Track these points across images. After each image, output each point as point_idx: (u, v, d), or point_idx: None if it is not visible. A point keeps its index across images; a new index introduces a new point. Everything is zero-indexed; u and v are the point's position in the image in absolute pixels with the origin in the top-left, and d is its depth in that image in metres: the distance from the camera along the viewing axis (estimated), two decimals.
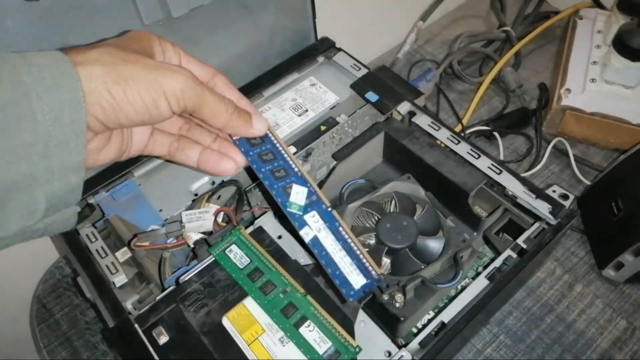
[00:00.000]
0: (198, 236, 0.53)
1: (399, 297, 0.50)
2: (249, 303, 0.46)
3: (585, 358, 0.54)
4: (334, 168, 0.57)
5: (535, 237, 0.49)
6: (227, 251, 0.49)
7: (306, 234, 0.41)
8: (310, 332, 0.44)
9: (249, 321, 0.45)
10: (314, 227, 0.42)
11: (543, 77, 0.80)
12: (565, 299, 0.58)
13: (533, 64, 0.82)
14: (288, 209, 0.42)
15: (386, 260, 0.53)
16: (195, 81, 0.33)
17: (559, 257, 0.61)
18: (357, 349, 0.43)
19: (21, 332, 0.63)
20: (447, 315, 0.45)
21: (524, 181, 0.52)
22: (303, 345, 0.43)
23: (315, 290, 0.47)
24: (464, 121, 0.71)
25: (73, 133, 0.28)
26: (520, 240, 0.49)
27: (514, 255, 0.48)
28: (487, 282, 0.46)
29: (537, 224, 0.50)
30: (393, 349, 0.45)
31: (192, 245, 0.53)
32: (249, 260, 0.48)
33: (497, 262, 0.48)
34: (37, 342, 0.58)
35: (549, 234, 0.49)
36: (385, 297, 0.50)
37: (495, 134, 0.69)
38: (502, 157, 0.69)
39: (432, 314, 0.55)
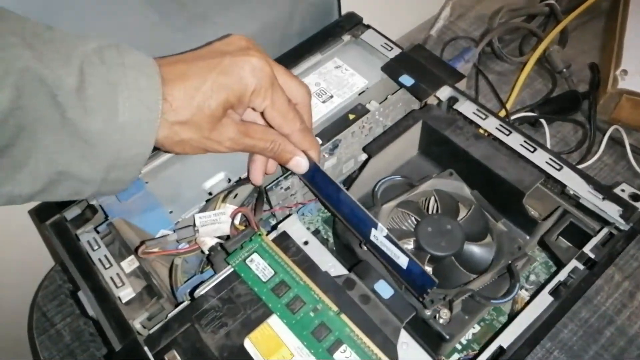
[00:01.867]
0: (213, 241, 0.47)
1: (444, 312, 0.43)
2: (275, 322, 0.40)
3: None
4: (365, 163, 0.50)
5: (603, 244, 0.42)
6: (247, 261, 0.42)
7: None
8: (346, 358, 0.38)
9: (275, 344, 0.39)
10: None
11: (590, 56, 0.72)
12: (626, 309, 0.52)
13: (578, 42, 0.74)
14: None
15: (427, 269, 0.47)
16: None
17: (617, 261, 0.55)
18: None
19: (19, 340, 0.58)
20: (505, 339, 0.38)
21: (588, 179, 0.45)
22: None
23: (349, 307, 0.40)
24: (507, 106, 0.63)
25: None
26: (587, 249, 0.42)
27: (581, 266, 0.41)
28: (551, 298, 0.40)
29: (605, 230, 0.43)
30: None
31: (207, 252, 0.47)
32: (273, 272, 0.42)
33: (562, 276, 0.41)
34: (36, 355, 0.52)
35: (622, 241, 0.42)
36: (428, 312, 0.43)
37: (542, 120, 0.62)
38: (548, 147, 0.62)
39: (476, 327, 0.49)
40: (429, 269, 0.47)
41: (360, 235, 0.45)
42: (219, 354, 0.39)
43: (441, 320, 0.43)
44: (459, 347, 0.48)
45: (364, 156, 0.53)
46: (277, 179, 0.49)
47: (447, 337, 0.43)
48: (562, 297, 0.40)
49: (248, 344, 0.39)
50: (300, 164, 0.44)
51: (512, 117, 0.62)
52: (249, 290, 0.41)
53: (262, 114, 0.41)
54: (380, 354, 0.38)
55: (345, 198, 0.44)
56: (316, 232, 0.54)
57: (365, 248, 0.47)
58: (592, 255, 0.42)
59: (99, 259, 0.44)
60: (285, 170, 0.50)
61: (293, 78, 0.43)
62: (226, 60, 0.38)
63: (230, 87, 0.37)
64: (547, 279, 0.46)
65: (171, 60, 0.38)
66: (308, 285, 0.41)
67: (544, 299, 0.40)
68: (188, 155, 0.42)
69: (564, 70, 0.67)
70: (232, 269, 0.42)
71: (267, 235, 0.45)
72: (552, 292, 0.40)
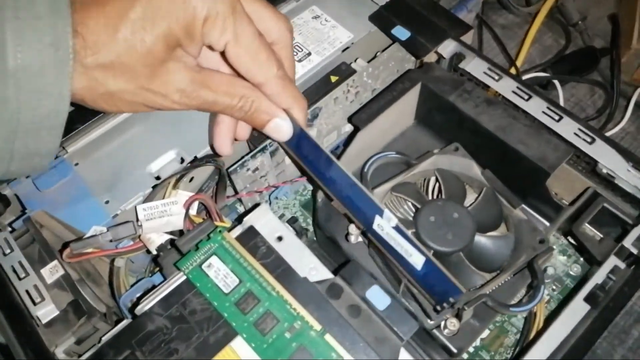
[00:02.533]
0: (163, 238, 0.38)
1: (451, 323, 0.35)
2: (241, 346, 0.31)
3: None
4: (351, 136, 0.40)
5: None
6: (204, 266, 0.33)
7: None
8: None
9: None
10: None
11: (606, 7, 0.62)
12: None
13: None
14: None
15: None
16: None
17: None
18: None
19: None
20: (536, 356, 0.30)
21: (628, 154, 0.37)
22: None
23: (336, 324, 0.32)
24: (517, 64, 0.54)
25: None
26: (628, 242, 0.34)
27: (622, 264, 0.33)
28: (587, 307, 0.32)
29: None
30: None
31: (154, 252, 0.37)
32: (237, 281, 0.33)
33: (599, 277, 0.33)
34: None
35: None
36: (432, 322, 0.35)
37: (555, 82, 0.53)
38: None
39: (486, 330, 0.41)
40: None
41: (359, 223, 0.36)
42: None
43: (446, 331, 0.35)
44: (465, 355, 0.40)
45: (350, 127, 0.44)
46: (242, 158, 0.39)
47: (456, 351, 0.36)
48: (601, 304, 0.32)
49: None
50: (280, 128, 0.34)
51: (523, 78, 0.53)
52: (206, 304, 0.32)
53: (223, 55, 0.31)
54: None
55: (340, 174, 0.34)
56: (293, 221, 0.45)
57: (353, 241, 0.38)
58: (634, 251, 0.33)
59: (12, 267, 0.34)
60: (253, 147, 0.40)
61: (267, 6, 0.33)
62: None
63: (173, 14, 0.27)
64: (580, 280, 0.38)
65: None
66: (282, 297, 0.32)
67: (579, 307, 0.32)
68: (128, 123, 0.32)
69: (579, 22, 0.57)
70: (185, 277, 0.33)
71: (230, 231, 0.35)
72: (588, 299, 0.32)
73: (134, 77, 0.28)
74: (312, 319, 0.31)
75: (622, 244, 0.34)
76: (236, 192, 0.42)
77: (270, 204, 0.46)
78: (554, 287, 0.43)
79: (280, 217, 0.46)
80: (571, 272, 0.42)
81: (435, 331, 0.36)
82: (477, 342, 0.41)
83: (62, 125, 0.27)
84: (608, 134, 0.51)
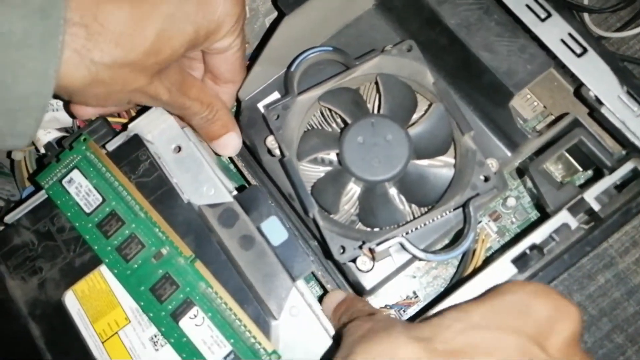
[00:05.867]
0: (51, 136, 0.33)
1: (362, 262, 0.30)
2: (109, 272, 0.28)
3: None
4: (276, 23, 0.32)
5: (620, 188, 0.27)
6: (64, 182, 0.29)
7: None
8: (197, 326, 0.27)
9: (107, 302, 0.28)
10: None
11: None
12: (636, 250, 0.38)
13: None
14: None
15: (354, 190, 0.33)
16: None
17: None
18: (274, 357, 0.26)
19: None
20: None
21: (625, 75, 0.27)
22: (184, 348, 0.27)
23: (213, 254, 0.28)
24: None
25: None
26: (590, 195, 0.26)
27: (574, 223, 0.26)
28: (514, 270, 0.26)
29: (629, 163, 0.27)
30: None
31: (43, 151, 0.33)
32: (100, 199, 0.28)
33: (538, 236, 0.26)
34: None
35: None
36: (345, 255, 0.30)
37: None
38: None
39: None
40: (356, 189, 0.32)
41: None
42: (29, 310, 0.28)
43: (363, 268, 0.31)
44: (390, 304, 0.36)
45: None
46: None
47: (367, 288, 0.31)
48: (530, 270, 0.26)
49: (70, 300, 0.28)
50: (231, 143, 0.33)
51: None
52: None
53: (206, 60, 0.30)
54: (247, 320, 0.26)
55: None
56: None
57: (275, 156, 0.33)
58: (596, 207, 0.26)
59: None
60: None
61: None
62: None
63: (203, 19, 0.26)
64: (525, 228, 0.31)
65: None
66: (151, 219, 0.28)
67: (504, 268, 0.26)
68: None
69: None
70: (46, 195, 0.29)
71: (110, 141, 0.30)
72: (517, 261, 0.26)
73: (141, 76, 0.25)
74: (183, 245, 0.28)
75: (582, 196, 0.26)
76: None
77: None
78: (514, 220, 0.37)
79: None
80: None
81: (345, 265, 0.31)
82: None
83: (44, 109, 0.23)
84: (625, 33, 0.39)
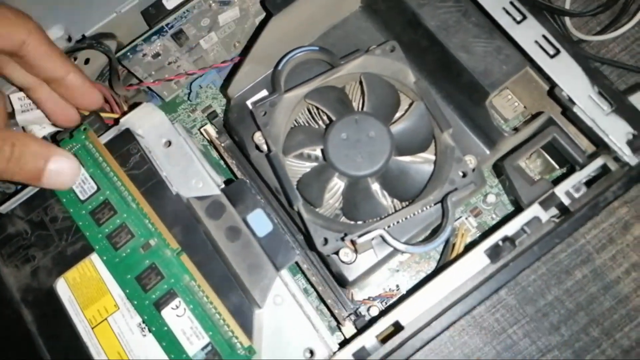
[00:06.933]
0: (46, 131, 0.34)
1: (344, 253, 0.32)
2: (99, 260, 0.29)
3: (620, 336, 0.37)
4: (264, 23, 0.33)
5: (590, 183, 0.28)
6: None
7: None
8: (178, 317, 0.28)
9: (97, 289, 0.29)
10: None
11: None
12: (613, 246, 0.39)
13: None
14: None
15: (338, 185, 0.34)
16: None
17: None
18: (249, 352, 0.27)
19: None
20: (405, 316, 0.27)
21: (596, 76, 0.28)
22: (164, 337, 0.28)
23: (199, 246, 0.29)
24: None
25: None
26: (561, 189, 0.28)
27: (545, 216, 0.27)
28: (487, 260, 0.27)
29: (599, 160, 0.28)
30: (318, 346, 0.28)
31: None
32: (95, 188, 0.29)
33: (511, 228, 0.27)
34: None
35: (620, 183, 0.27)
36: (328, 247, 0.32)
37: None
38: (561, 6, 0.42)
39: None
40: (340, 184, 0.34)
41: None
42: (22, 297, 0.29)
43: (345, 259, 0.32)
44: (372, 296, 0.37)
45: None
46: (133, 41, 0.33)
47: (350, 279, 0.33)
48: (502, 262, 0.27)
49: (62, 287, 0.29)
50: (60, 167, 0.28)
51: None
52: (68, 213, 0.30)
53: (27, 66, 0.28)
54: (226, 314, 0.27)
55: None
56: (213, 116, 0.39)
57: (263, 152, 0.34)
58: (566, 202, 0.27)
59: None
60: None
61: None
62: None
63: None
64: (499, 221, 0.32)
65: None
66: (142, 210, 0.29)
67: (478, 259, 0.27)
68: None
69: None
70: None
71: (104, 133, 0.31)
72: (490, 251, 0.27)
73: None
74: (170, 237, 0.29)
75: (554, 191, 0.28)
76: (140, 81, 0.37)
77: (194, 94, 0.41)
78: (494, 216, 0.38)
79: (206, 108, 0.41)
80: None
81: (328, 257, 0.33)
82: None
83: None
84: (606, 36, 0.40)
